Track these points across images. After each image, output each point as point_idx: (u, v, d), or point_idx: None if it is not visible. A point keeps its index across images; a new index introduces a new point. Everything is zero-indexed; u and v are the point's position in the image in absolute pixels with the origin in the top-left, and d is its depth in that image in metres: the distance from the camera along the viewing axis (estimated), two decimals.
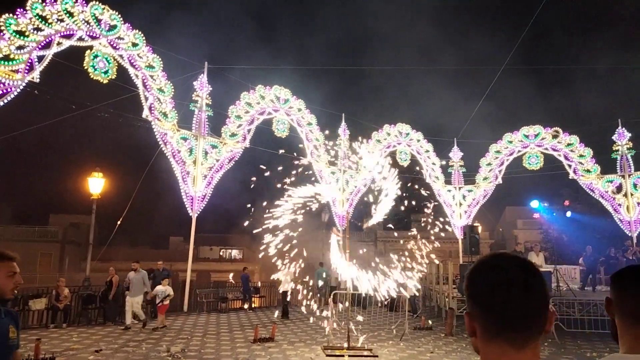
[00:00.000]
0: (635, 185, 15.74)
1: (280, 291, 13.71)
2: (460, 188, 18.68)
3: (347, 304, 10.11)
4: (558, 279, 14.02)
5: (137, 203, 16.45)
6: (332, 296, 10.09)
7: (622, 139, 16.17)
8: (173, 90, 13.77)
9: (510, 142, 17.78)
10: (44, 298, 11.64)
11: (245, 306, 15.84)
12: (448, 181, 18.80)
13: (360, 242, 23.99)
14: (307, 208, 8.78)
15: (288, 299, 12.40)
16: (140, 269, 11.54)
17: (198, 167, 14.20)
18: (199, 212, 14.28)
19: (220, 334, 10.69)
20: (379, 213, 9.28)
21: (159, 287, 11.42)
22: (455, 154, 19.05)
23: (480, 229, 20.54)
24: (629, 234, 15.75)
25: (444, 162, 18.83)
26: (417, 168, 17.33)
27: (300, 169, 9.33)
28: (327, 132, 16.15)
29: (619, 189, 16.04)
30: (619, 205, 16.04)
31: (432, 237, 11.56)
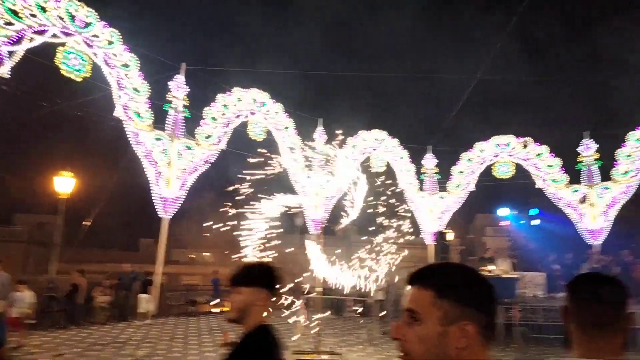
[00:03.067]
0: (599, 196, 16.31)
1: None
2: (433, 195, 18.98)
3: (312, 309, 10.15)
4: (524, 286, 14.41)
5: (108, 204, 16.15)
6: (302, 300, 10.11)
7: (587, 150, 16.75)
8: (149, 90, 13.61)
9: (482, 150, 18.17)
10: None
11: (216, 310, 15.69)
12: (421, 188, 19.07)
13: (334, 247, 24.04)
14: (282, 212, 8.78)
15: None
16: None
17: (172, 169, 14.04)
18: (171, 215, 14.11)
19: (189, 338, 10.57)
20: (350, 216, 9.35)
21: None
22: (429, 161, 19.35)
23: (451, 235, 20.90)
24: (592, 243, 16.28)
25: (436, 168, 19.08)
26: (388, 180, 17.52)
27: (272, 175, 9.32)
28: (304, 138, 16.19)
29: (583, 199, 16.59)
30: (583, 214, 16.58)
31: (403, 242, 11.72)
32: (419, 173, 19.12)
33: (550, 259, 16.47)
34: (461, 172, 18.49)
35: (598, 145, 16.75)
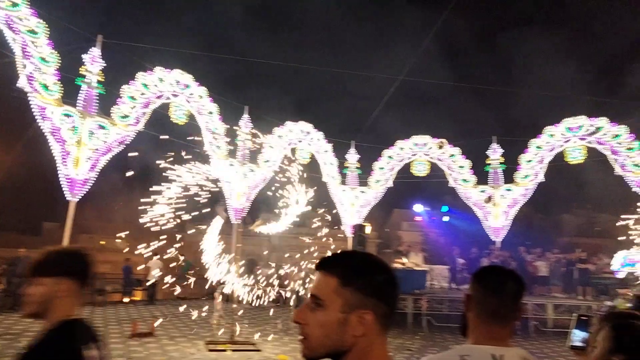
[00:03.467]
0: (502, 197, 17.72)
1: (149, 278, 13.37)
2: (354, 189, 19.47)
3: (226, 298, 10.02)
4: (432, 278, 15.35)
5: (6, 183, 14.67)
6: (218, 291, 9.94)
7: (494, 154, 18.11)
8: (59, 61, 12.48)
9: (402, 149, 18.94)
10: None
11: (126, 299, 14.94)
12: (343, 182, 19.48)
13: (253, 237, 23.86)
14: (199, 198, 8.53)
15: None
16: None
17: (82, 148, 13.05)
18: (79, 197, 13.14)
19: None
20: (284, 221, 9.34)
21: None
22: (352, 156, 19.81)
23: (369, 229, 21.62)
24: (495, 240, 17.67)
25: (358, 163, 19.46)
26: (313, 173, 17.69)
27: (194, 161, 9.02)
28: (228, 124, 15.80)
29: (489, 198, 17.93)
30: (488, 213, 17.94)
31: (324, 235, 11.94)
32: (342, 167, 19.51)
33: (455, 253, 17.68)
34: (381, 168, 19.14)
35: (503, 150, 18.15)
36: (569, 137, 16.20)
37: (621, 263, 13.67)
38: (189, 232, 8.23)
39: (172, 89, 14.65)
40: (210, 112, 15.51)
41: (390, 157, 19.05)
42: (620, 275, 13.66)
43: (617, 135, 15.33)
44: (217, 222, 8.90)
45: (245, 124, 16.68)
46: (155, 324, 9.75)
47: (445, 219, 23.90)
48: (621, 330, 1.63)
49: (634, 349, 1.56)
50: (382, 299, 1.02)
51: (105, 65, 13.77)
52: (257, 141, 15.83)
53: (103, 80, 13.75)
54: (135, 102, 14.02)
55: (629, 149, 15.16)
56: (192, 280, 11.20)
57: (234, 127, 16.01)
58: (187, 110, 15.03)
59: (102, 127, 13.43)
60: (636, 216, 13.53)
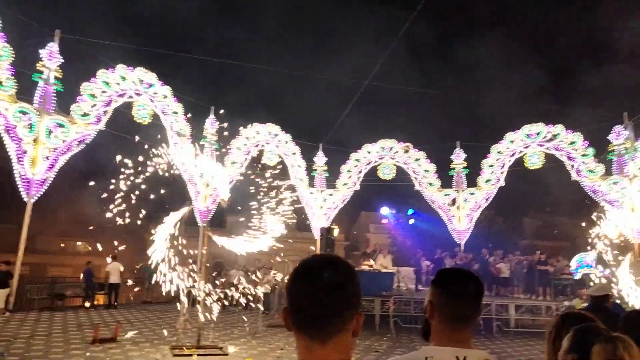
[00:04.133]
0: (465, 200, 18.18)
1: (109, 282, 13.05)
2: (322, 191, 19.51)
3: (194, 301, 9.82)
4: (399, 280, 15.53)
5: None
6: (184, 294, 9.70)
7: (458, 159, 18.57)
8: (13, 55, 11.96)
9: (369, 152, 19.13)
10: None
11: (87, 304, 14.41)
12: (311, 184, 19.48)
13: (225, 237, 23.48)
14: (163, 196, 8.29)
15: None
16: None
17: (39, 147, 12.52)
18: (35, 198, 12.59)
19: (52, 335, 9.54)
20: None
21: None
22: (320, 159, 19.83)
23: (337, 231, 21.69)
24: (458, 242, 18.09)
25: (325, 166, 19.45)
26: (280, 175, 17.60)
27: (159, 164, 8.77)
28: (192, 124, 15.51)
29: (453, 202, 18.36)
30: (452, 216, 18.36)
31: (294, 237, 11.87)
32: (309, 170, 19.50)
33: (419, 255, 17.98)
34: (349, 171, 19.26)
35: (467, 155, 18.65)
36: (528, 143, 16.79)
37: (578, 265, 14.24)
38: (153, 231, 7.94)
39: (135, 87, 14.28)
40: (175, 112, 15.20)
41: (357, 160, 19.20)
42: (577, 276, 14.22)
43: (572, 142, 16.01)
44: (176, 216, 8.42)
45: (211, 124, 16.43)
46: (128, 335, 9.45)
47: (411, 221, 24.30)
48: (578, 331, 1.73)
49: (584, 349, 1.64)
50: (291, 297, 1.12)
51: (63, 61, 13.29)
52: (224, 142, 15.62)
53: (61, 77, 13.26)
54: (96, 100, 13.58)
55: (584, 155, 15.86)
56: (155, 283, 10.89)
57: (200, 129, 15.77)
58: (150, 109, 14.68)
59: (60, 126, 12.94)
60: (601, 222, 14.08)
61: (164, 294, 7.80)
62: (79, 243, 31.12)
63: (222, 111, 16.35)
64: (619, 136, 15.66)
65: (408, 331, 12.18)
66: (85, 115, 13.40)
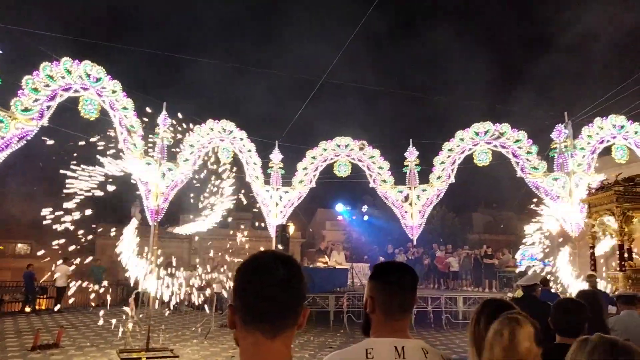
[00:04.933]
0: (418, 196, 18.63)
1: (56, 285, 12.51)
2: (277, 189, 19.43)
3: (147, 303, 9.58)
4: (353, 276, 15.75)
5: None
6: (133, 296, 9.44)
7: (411, 156, 19.00)
8: None
9: (325, 149, 19.22)
10: None
11: (28, 309, 13.70)
12: (267, 182, 19.37)
13: (173, 239, 22.97)
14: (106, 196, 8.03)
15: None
16: None
17: None
18: None
19: None
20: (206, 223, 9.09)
21: None
22: (276, 156, 19.74)
23: (292, 228, 21.70)
24: (411, 237, 18.54)
25: (281, 163, 19.33)
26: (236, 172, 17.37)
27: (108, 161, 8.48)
28: (145, 120, 15.04)
29: (406, 198, 18.77)
30: (406, 212, 18.77)
31: (250, 235, 11.79)
32: (265, 167, 19.37)
33: (376, 251, 18.33)
34: (305, 168, 19.28)
35: (419, 152, 19.10)
36: (477, 141, 17.41)
37: (522, 257, 14.95)
38: (99, 230, 7.70)
39: (81, 81, 13.67)
40: (125, 108, 14.68)
41: (313, 157, 19.25)
42: (521, 268, 14.92)
43: (518, 140, 16.75)
44: (133, 223, 8.46)
45: (163, 121, 15.99)
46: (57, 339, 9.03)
47: (365, 218, 24.69)
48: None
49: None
50: (238, 295, 1.14)
51: (1, 52, 12.52)
52: (177, 139, 15.26)
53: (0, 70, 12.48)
54: (38, 94, 12.89)
55: (528, 152, 16.63)
56: (104, 286, 10.54)
57: (152, 125, 15.31)
58: (98, 104, 14.10)
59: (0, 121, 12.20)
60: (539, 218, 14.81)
61: (116, 296, 7.55)
62: (19, 245, 29.50)
63: (179, 114, 15.92)
64: (560, 134, 16.51)
65: (361, 326, 12.39)
66: (26, 110, 12.67)
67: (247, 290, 1.13)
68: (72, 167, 7.70)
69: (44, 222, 7.82)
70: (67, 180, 7.61)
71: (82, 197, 7.75)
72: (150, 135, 15.26)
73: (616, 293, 8.08)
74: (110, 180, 8.11)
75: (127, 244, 8.27)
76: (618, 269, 9.91)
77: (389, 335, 1.62)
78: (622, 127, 15.88)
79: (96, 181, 7.75)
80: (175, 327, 11.25)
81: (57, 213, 7.53)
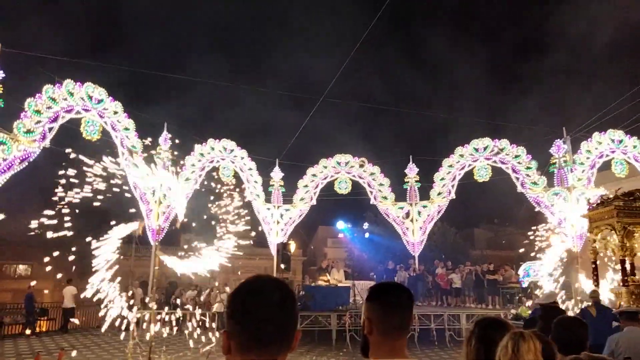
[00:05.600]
0: (419, 213, 18.64)
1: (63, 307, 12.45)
2: (278, 207, 19.46)
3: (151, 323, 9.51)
4: (356, 293, 15.64)
5: None
6: (135, 313, 9.37)
7: (411, 172, 19.06)
8: None
9: (325, 167, 19.31)
10: None
11: (28, 331, 13.60)
12: (268, 199, 19.41)
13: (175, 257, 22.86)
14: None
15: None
16: None
17: None
18: None
19: None
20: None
21: None
22: (277, 174, 19.80)
23: (294, 246, 21.65)
24: (412, 254, 18.48)
25: (282, 181, 19.37)
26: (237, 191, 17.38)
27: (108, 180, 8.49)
28: (148, 140, 15.15)
29: (407, 215, 18.78)
30: (407, 228, 18.75)
31: (251, 253, 11.76)
32: (266, 185, 19.43)
33: (380, 268, 18.23)
34: (306, 186, 19.34)
35: (419, 169, 19.19)
36: (476, 157, 17.49)
37: (525, 273, 14.86)
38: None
39: (83, 103, 13.84)
40: (127, 128, 14.83)
41: (314, 175, 19.33)
42: (524, 284, 14.83)
43: (517, 156, 16.83)
44: (123, 231, 7.92)
45: (164, 140, 16.12)
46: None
47: (367, 235, 24.67)
48: (479, 325, 2.16)
49: (486, 340, 2.03)
50: (233, 320, 1.15)
51: (4, 75, 12.71)
52: (178, 159, 15.34)
53: (2, 92, 12.65)
54: (41, 116, 13.04)
55: (528, 167, 16.69)
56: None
57: (153, 145, 15.41)
58: (100, 125, 14.25)
59: (2, 143, 12.31)
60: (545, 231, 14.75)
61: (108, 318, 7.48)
62: (21, 266, 29.39)
63: (180, 135, 16.04)
64: (559, 149, 16.59)
65: None
66: (29, 132, 12.81)
67: (243, 313, 1.15)
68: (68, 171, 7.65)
69: (33, 233, 7.67)
70: (58, 190, 7.47)
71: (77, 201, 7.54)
72: (152, 153, 15.36)
73: (619, 309, 8.04)
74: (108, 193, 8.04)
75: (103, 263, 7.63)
76: (621, 284, 9.85)
77: (387, 355, 1.63)
78: (620, 141, 15.97)
79: (93, 185, 7.53)
80: (177, 347, 11.16)
81: (47, 222, 7.36)
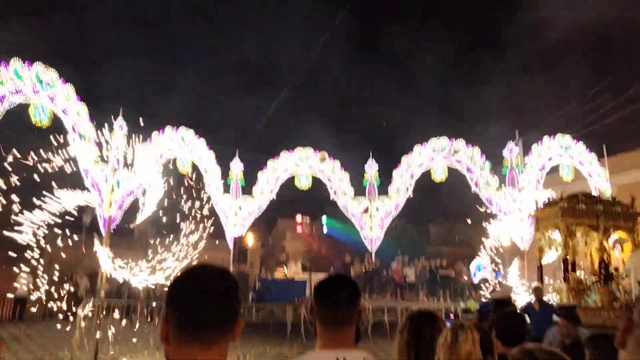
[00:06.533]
0: (377, 209, 18.93)
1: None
2: (237, 199, 19.23)
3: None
4: (312, 286, 15.78)
5: None
6: (81, 304, 9.09)
7: (371, 169, 19.32)
8: None
9: (287, 160, 19.24)
10: None
11: None
12: (227, 191, 19.13)
13: (128, 250, 22.26)
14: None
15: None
16: None
17: None
18: None
19: None
20: (144, 213, 8.94)
21: None
22: (236, 165, 19.54)
23: (252, 239, 21.51)
24: (370, 249, 18.76)
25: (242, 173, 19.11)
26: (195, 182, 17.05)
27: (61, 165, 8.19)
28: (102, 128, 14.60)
29: (366, 210, 19.02)
30: (365, 224, 19.00)
31: (208, 246, 11.62)
32: (225, 176, 19.14)
33: (338, 263, 18.44)
34: (266, 178, 19.21)
35: (379, 165, 19.47)
36: (433, 156, 17.94)
37: (475, 269, 15.45)
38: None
39: (32, 85, 13.18)
40: (79, 114, 14.23)
41: (275, 168, 19.22)
42: (475, 279, 15.41)
43: (472, 157, 17.39)
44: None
45: (119, 127, 15.57)
46: None
47: (325, 229, 24.86)
48: (411, 318, 2.28)
49: (416, 333, 2.14)
50: (172, 306, 1.16)
51: None
52: (133, 146, 14.86)
53: None
54: None
55: (481, 168, 17.30)
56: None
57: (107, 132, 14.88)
58: (50, 110, 13.62)
59: None
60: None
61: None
62: None
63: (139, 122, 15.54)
64: (511, 152, 17.28)
65: None
66: None
67: (183, 298, 1.15)
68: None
69: None
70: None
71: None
72: (106, 142, 14.83)
73: (559, 305, 8.51)
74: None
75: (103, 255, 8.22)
76: (562, 281, 10.41)
77: (331, 345, 1.69)
78: (568, 147, 16.80)
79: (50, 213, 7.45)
80: (127, 337, 10.88)
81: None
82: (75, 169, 12.67)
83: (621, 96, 16.94)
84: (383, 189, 19.01)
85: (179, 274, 1.21)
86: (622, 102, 16.97)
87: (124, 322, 9.54)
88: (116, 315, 9.96)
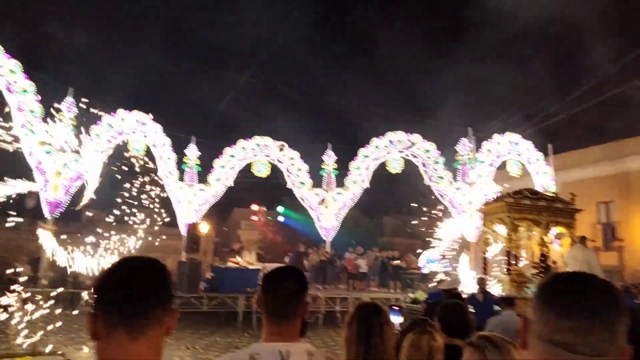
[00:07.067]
0: (334, 199, 19.09)
1: None
2: (192, 186, 18.84)
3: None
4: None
5: None
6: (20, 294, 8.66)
7: (329, 160, 19.42)
8: None
9: (244, 148, 19.00)
10: None
11: None
12: (181, 178, 18.71)
13: (75, 237, 21.39)
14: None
15: None
16: None
17: None
18: None
19: None
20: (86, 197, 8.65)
21: None
22: (192, 152, 19.12)
23: (205, 227, 21.20)
24: (325, 239, 18.94)
25: (198, 160, 18.63)
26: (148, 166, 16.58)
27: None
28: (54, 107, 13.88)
29: (322, 201, 19.14)
30: (321, 214, 19.13)
31: (158, 232, 11.36)
32: (180, 163, 18.69)
33: (293, 252, 18.49)
34: (222, 166, 18.91)
35: (337, 157, 19.59)
36: (390, 149, 18.25)
37: (425, 261, 15.91)
38: None
39: None
40: (25, 91, 13.46)
41: (232, 155, 18.94)
42: (425, 271, 15.88)
43: (427, 151, 17.83)
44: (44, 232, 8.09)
45: (68, 107, 14.87)
46: None
47: (281, 218, 24.87)
48: (360, 309, 2.29)
49: (365, 323, 2.17)
50: (96, 293, 1.15)
51: None
52: (82, 128, 14.26)
53: None
54: None
55: (436, 162, 17.77)
56: None
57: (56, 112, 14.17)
58: None
59: None
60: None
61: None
62: None
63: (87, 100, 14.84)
64: (464, 147, 17.84)
65: None
66: None
67: (108, 287, 1.13)
68: None
69: None
70: None
71: None
72: (54, 122, 14.13)
73: (500, 295, 8.93)
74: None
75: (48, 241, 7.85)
76: (505, 272, 10.93)
77: (275, 338, 1.68)
78: (516, 143, 17.54)
79: None
80: (71, 328, 10.50)
81: None
82: (19, 149, 12.02)
83: (568, 97, 17.85)
84: (340, 180, 19.18)
85: (106, 269, 1.18)
86: (567, 102, 17.87)
87: (64, 311, 9.17)
88: (58, 304, 9.57)
